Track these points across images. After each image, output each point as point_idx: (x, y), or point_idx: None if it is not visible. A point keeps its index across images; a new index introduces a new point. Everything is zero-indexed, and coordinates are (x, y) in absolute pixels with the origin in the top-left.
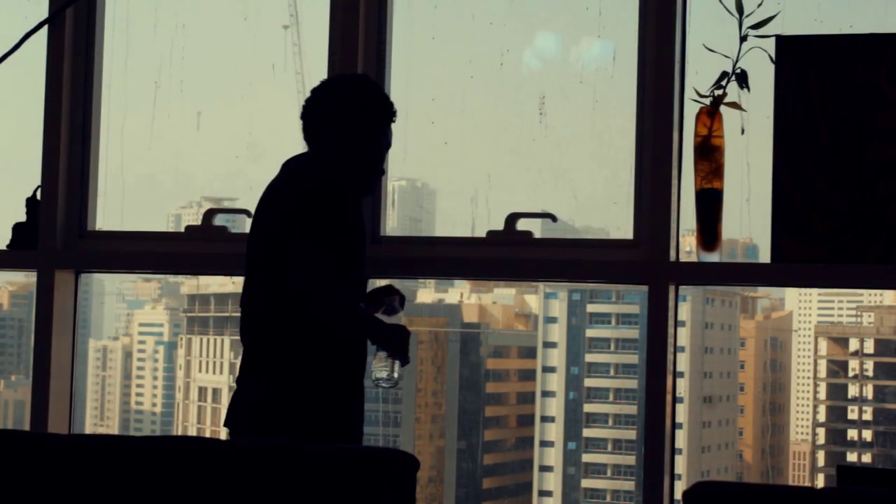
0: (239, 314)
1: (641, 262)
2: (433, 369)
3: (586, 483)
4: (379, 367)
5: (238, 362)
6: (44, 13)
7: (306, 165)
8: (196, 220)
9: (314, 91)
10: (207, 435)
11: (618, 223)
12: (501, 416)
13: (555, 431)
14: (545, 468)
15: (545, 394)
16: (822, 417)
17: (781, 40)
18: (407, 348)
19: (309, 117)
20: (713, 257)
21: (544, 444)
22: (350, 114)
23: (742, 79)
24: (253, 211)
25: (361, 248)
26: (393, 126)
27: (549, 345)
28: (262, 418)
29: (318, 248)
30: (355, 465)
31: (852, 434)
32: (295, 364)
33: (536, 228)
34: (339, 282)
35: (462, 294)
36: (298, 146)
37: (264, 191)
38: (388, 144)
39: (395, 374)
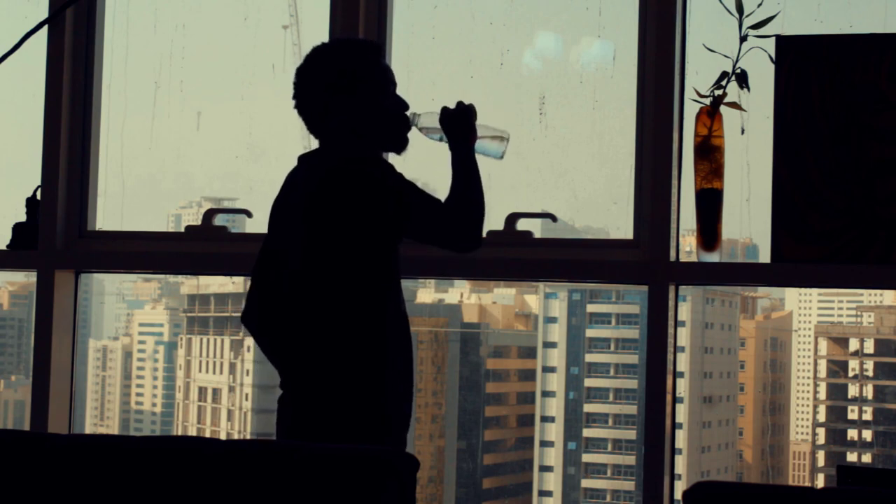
0: (236, 315)
1: (641, 262)
2: (433, 369)
3: (586, 483)
4: (494, 145)
5: (238, 363)
6: (44, 13)
7: (321, 158)
8: (196, 220)
9: (294, 85)
10: (207, 435)
11: (618, 223)
12: (501, 416)
13: (555, 431)
14: (545, 468)
15: (545, 394)
16: (822, 417)
17: (781, 40)
18: (462, 120)
19: (305, 96)
20: (713, 257)
21: (544, 444)
22: (352, 75)
23: (742, 79)
24: (253, 210)
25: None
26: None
27: (549, 345)
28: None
29: (404, 209)
30: (355, 465)
31: (852, 434)
32: (333, 374)
33: (536, 228)
34: (441, 208)
35: (462, 294)
36: (298, 146)
37: (282, 190)
38: (384, 79)
39: (496, 132)
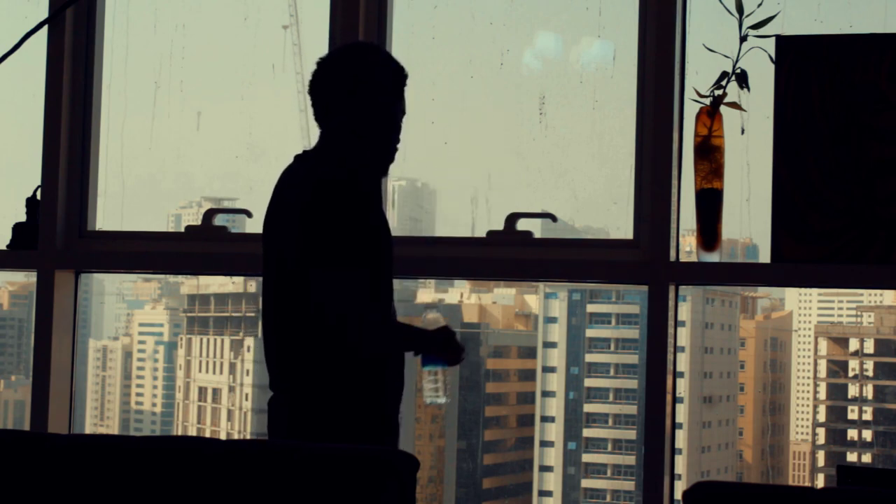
0: (236, 315)
1: (641, 262)
2: None
3: (586, 483)
4: (428, 389)
5: (238, 363)
6: (44, 13)
7: (317, 159)
8: (196, 220)
9: (318, 63)
10: (207, 435)
11: (618, 223)
12: (501, 416)
13: (555, 431)
14: (545, 468)
15: (545, 394)
16: (822, 417)
17: (781, 40)
18: (451, 346)
19: (314, 90)
20: (713, 257)
21: (544, 444)
22: (353, 78)
23: (742, 79)
24: (253, 210)
25: (387, 240)
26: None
27: (549, 345)
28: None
29: (344, 267)
30: (355, 465)
31: (852, 434)
32: (331, 375)
33: (536, 228)
34: (372, 303)
35: (462, 294)
36: (298, 146)
37: (276, 186)
38: (401, 110)
39: (444, 388)
